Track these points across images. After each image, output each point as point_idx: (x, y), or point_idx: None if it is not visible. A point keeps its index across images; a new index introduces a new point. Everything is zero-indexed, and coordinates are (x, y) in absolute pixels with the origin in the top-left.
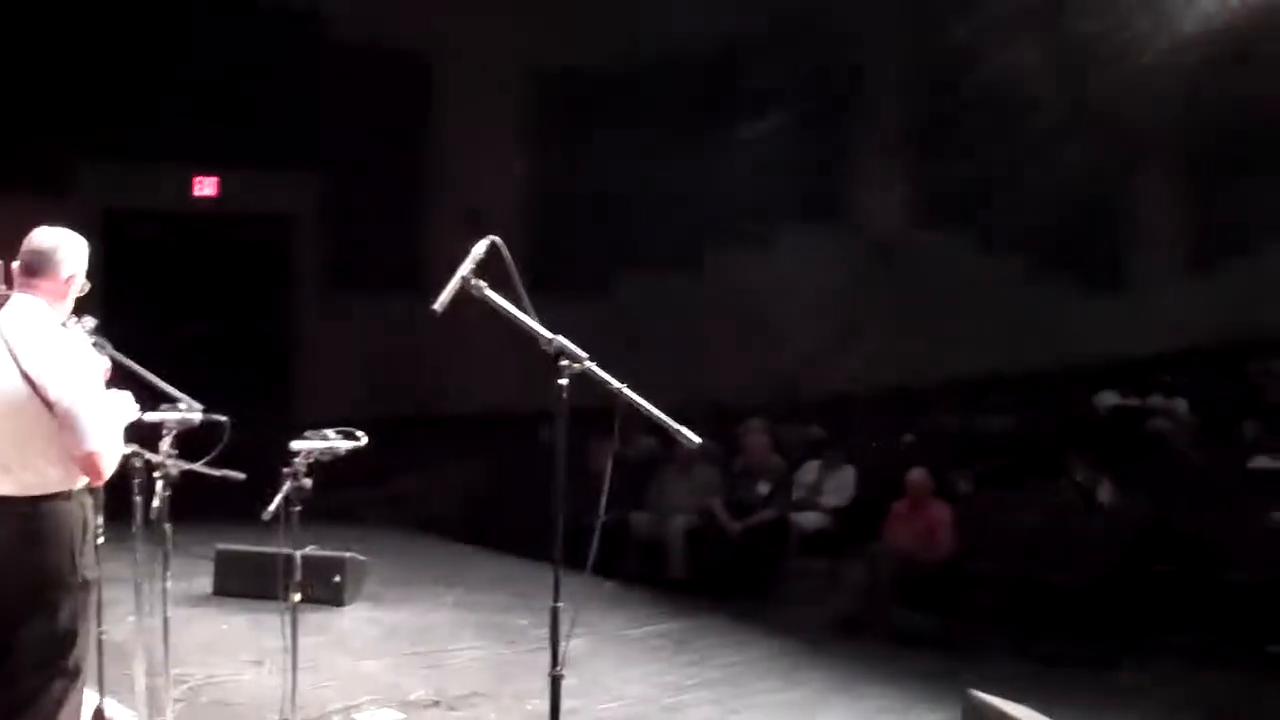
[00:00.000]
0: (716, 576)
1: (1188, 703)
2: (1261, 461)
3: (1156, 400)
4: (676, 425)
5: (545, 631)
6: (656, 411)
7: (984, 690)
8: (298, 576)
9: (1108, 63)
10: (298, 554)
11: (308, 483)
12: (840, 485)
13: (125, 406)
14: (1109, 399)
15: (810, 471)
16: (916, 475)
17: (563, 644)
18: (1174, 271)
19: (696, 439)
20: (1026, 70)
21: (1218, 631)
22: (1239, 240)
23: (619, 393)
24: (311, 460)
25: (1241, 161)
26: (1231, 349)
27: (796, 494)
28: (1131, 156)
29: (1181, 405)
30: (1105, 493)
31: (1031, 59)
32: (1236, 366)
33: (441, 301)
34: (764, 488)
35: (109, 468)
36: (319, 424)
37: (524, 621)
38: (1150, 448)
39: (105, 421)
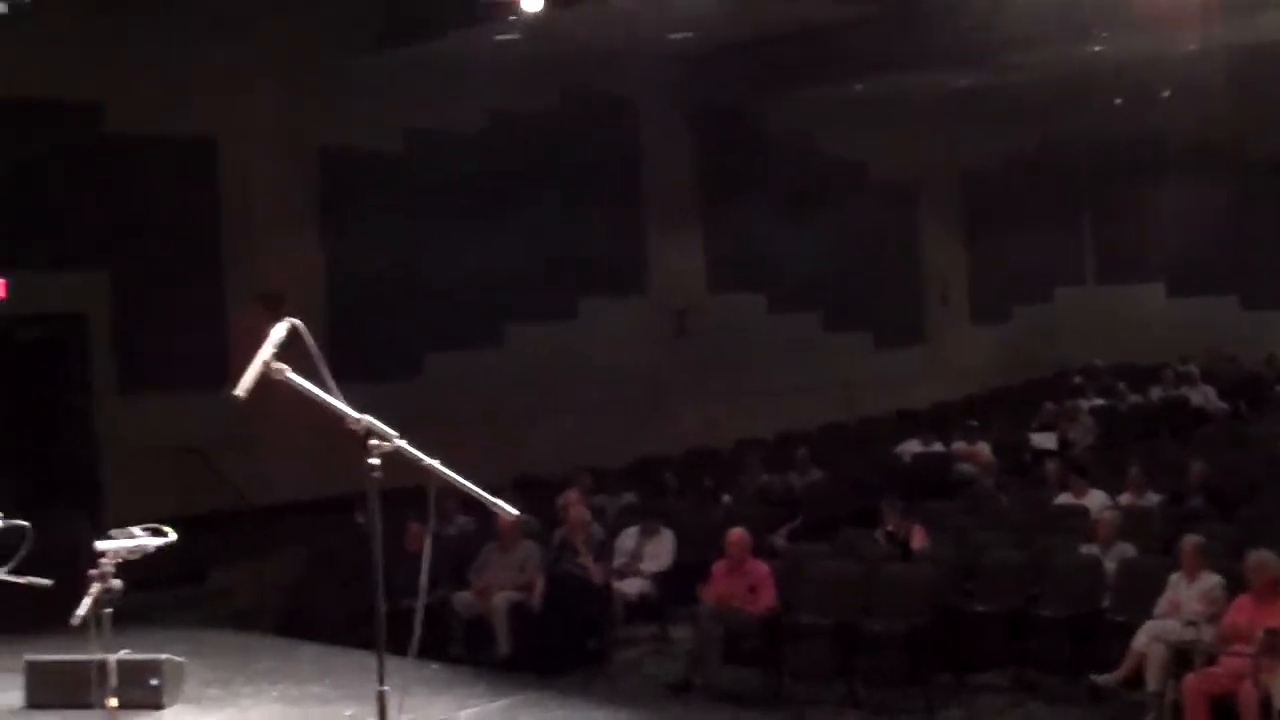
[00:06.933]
0: (543, 652)
1: None
2: (1064, 498)
3: (959, 445)
4: (493, 499)
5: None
6: (472, 486)
7: None
8: (113, 682)
9: (881, 122)
10: (112, 659)
11: (117, 584)
12: (659, 550)
13: None
14: (912, 447)
15: (629, 538)
16: (735, 534)
17: None
18: (965, 320)
19: (514, 511)
20: (806, 133)
21: (1036, 665)
22: (1027, 287)
23: (433, 469)
24: (119, 560)
25: (1019, 212)
26: (1030, 391)
27: (617, 561)
28: (914, 210)
29: (985, 448)
30: (918, 539)
31: (807, 122)
32: (1036, 408)
33: (244, 387)
34: (586, 558)
35: None
36: (130, 524)
37: (349, 711)
38: (957, 492)
39: None
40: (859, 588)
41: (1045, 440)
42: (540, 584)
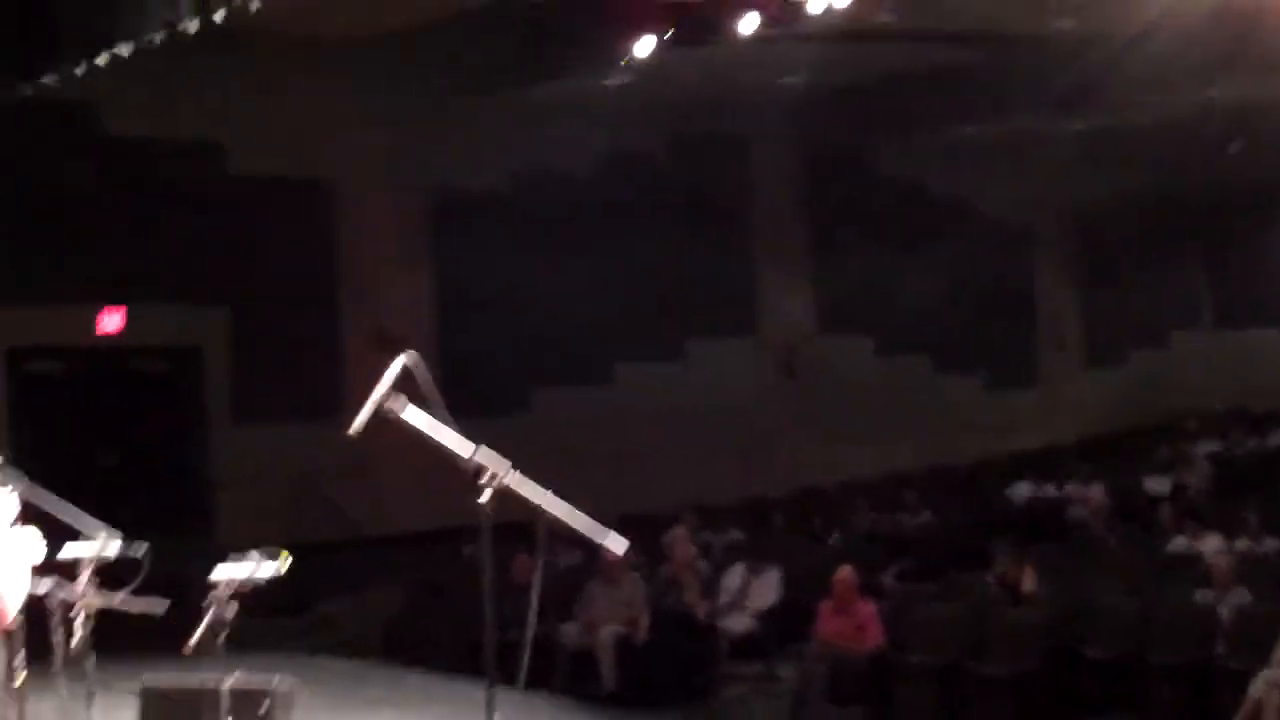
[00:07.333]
0: (647, 686)
1: None
2: (1179, 544)
3: (1072, 488)
4: (602, 534)
5: None
6: (581, 517)
7: None
8: (225, 707)
9: (994, 164)
10: (224, 684)
11: (232, 609)
12: (765, 588)
13: (28, 546)
14: (1024, 490)
15: (735, 576)
16: (844, 573)
17: None
18: (1080, 364)
19: (624, 543)
20: (917, 175)
21: (1148, 713)
22: (1144, 330)
23: (543, 506)
24: (234, 588)
25: (1135, 255)
26: (1144, 435)
27: (723, 599)
28: (1029, 252)
29: (1097, 492)
30: (1029, 582)
31: (919, 164)
32: (1151, 452)
33: (358, 423)
34: (691, 594)
35: (10, 608)
36: (240, 552)
37: None
38: (1069, 535)
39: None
40: (968, 629)
41: (1159, 484)
42: (645, 619)
